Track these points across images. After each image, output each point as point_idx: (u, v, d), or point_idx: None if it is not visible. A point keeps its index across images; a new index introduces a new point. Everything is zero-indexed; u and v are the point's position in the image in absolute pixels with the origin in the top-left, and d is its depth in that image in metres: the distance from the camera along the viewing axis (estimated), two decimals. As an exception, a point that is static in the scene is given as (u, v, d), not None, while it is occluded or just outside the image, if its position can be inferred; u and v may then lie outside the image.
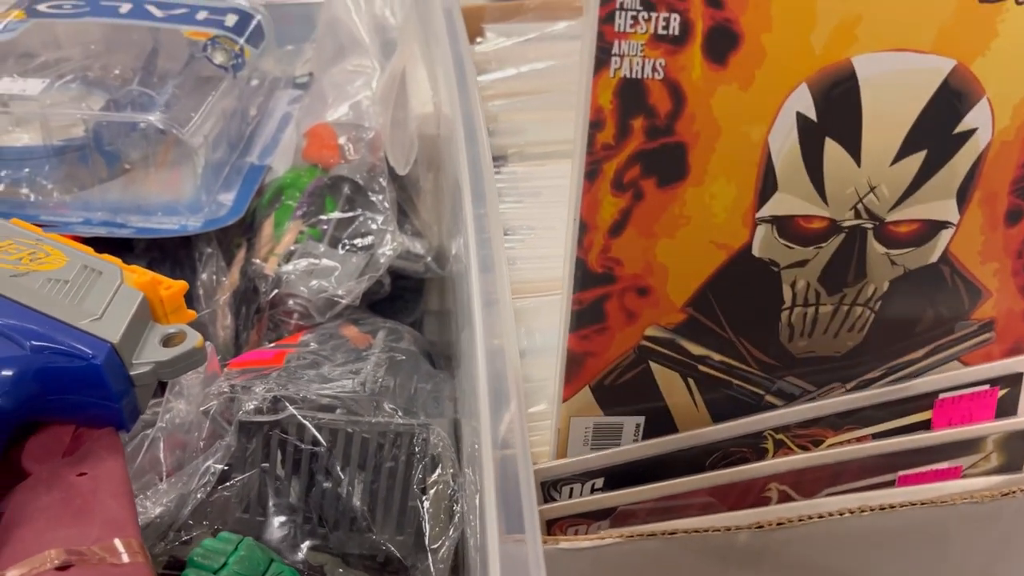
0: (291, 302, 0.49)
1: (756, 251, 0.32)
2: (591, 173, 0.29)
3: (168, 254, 0.53)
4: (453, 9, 0.59)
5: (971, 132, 0.30)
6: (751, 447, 0.37)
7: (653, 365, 0.34)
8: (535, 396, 0.39)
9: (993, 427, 0.37)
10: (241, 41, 0.59)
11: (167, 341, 0.38)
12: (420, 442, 0.40)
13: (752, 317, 0.34)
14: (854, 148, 0.30)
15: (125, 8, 0.59)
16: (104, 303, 0.37)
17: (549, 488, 0.36)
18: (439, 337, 0.61)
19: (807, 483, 0.38)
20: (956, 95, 0.29)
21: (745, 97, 0.29)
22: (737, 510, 0.37)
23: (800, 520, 0.33)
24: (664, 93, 0.28)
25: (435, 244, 0.58)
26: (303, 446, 0.39)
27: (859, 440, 0.37)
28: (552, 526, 0.36)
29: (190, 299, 0.51)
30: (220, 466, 0.38)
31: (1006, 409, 0.38)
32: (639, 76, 0.28)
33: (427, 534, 0.38)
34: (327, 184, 0.55)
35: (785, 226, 0.31)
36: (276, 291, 0.49)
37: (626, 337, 0.34)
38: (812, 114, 0.29)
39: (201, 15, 0.60)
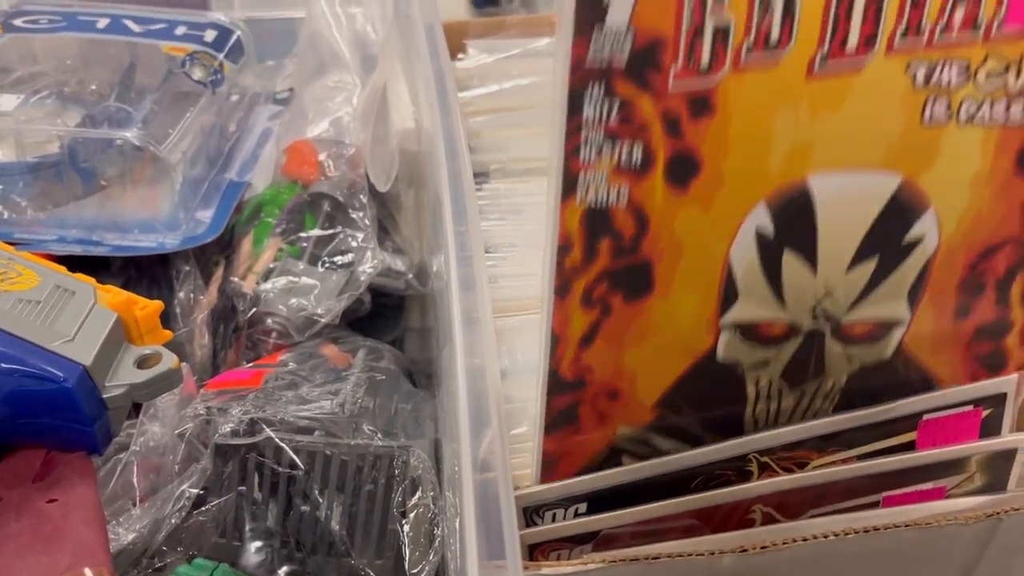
0: (269, 321, 0.49)
1: (720, 355, 0.34)
2: (561, 290, 0.31)
3: (145, 272, 0.52)
4: (434, 25, 0.59)
5: (920, 239, 0.32)
6: (735, 470, 0.36)
7: (625, 458, 0.36)
8: (517, 417, 0.39)
9: (977, 447, 0.37)
10: (220, 56, 0.58)
11: (142, 363, 0.37)
12: (400, 464, 0.39)
13: (718, 414, 0.35)
14: (811, 258, 0.32)
15: (103, 23, 0.59)
16: (77, 324, 0.37)
17: (531, 513, 0.36)
18: (420, 355, 0.61)
19: (791, 505, 0.37)
20: (905, 207, 0.31)
21: (706, 218, 0.30)
22: (721, 532, 0.36)
23: (784, 543, 0.32)
24: (628, 217, 0.30)
25: (416, 261, 0.58)
26: (280, 469, 0.38)
27: (844, 461, 0.37)
28: (534, 551, 0.36)
29: (167, 318, 0.51)
30: (195, 490, 0.37)
31: (990, 429, 0.37)
32: (604, 203, 0.29)
33: (407, 558, 0.38)
34: (307, 201, 0.54)
35: (747, 331, 0.33)
36: (254, 310, 0.49)
37: (599, 437, 0.35)
38: (770, 230, 0.31)
39: (180, 30, 0.59)
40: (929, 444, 0.37)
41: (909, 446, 0.38)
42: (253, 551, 0.39)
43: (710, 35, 0.27)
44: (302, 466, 0.38)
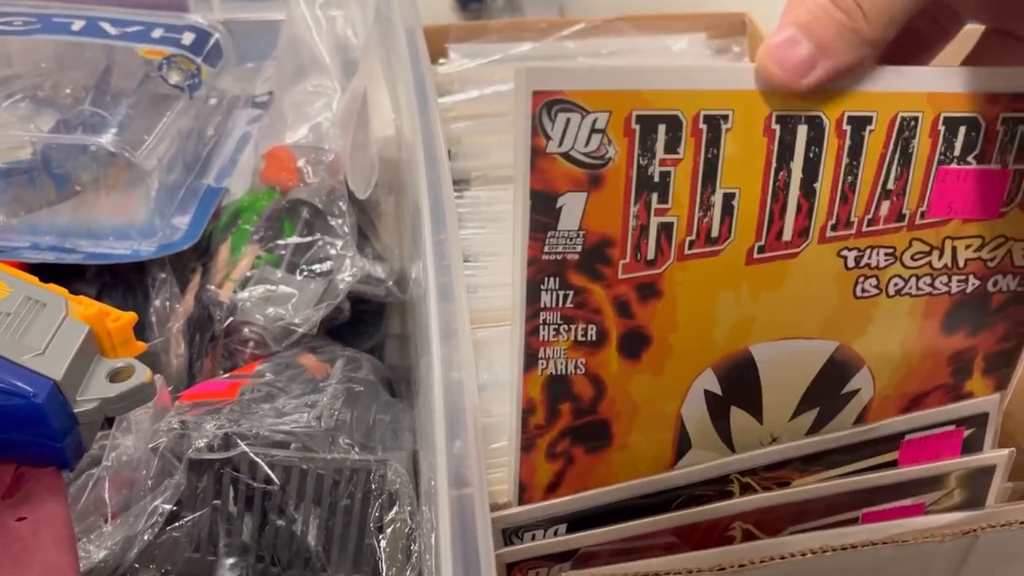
0: (246, 330, 0.48)
1: None
2: (527, 447, 0.33)
3: (120, 280, 0.51)
4: (415, 29, 0.59)
5: (856, 391, 0.35)
6: (717, 491, 0.36)
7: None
8: (495, 431, 0.38)
9: (955, 464, 0.37)
10: (198, 60, 0.58)
11: (114, 376, 0.37)
12: (377, 478, 0.39)
13: None
14: (756, 412, 0.35)
15: (78, 25, 0.58)
16: (47, 337, 0.36)
17: (510, 535, 0.35)
18: (400, 361, 0.60)
19: (771, 522, 0.37)
20: (842, 366, 0.34)
21: (658, 381, 0.33)
22: (701, 550, 0.36)
23: (762, 561, 0.32)
24: (586, 384, 0.32)
25: (396, 268, 0.57)
26: (255, 484, 0.38)
27: (825, 481, 0.37)
28: (512, 569, 0.35)
29: (142, 326, 0.50)
30: (169, 506, 0.37)
31: (971, 448, 0.37)
32: (564, 372, 0.32)
33: (383, 573, 0.37)
34: (285, 207, 0.53)
35: None
36: (231, 319, 0.48)
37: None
38: (718, 390, 0.34)
39: (157, 33, 0.58)
40: (911, 463, 0.37)
41: (891, 465, 0.38)
42: (227, 567, 0.38)
43: (655, 233, 0.30)
44: (277, 481, 0.38)
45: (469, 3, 0.95)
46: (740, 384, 0.33)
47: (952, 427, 0.37)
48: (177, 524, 0.37)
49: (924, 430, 0.37)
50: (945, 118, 0.29)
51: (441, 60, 0.65)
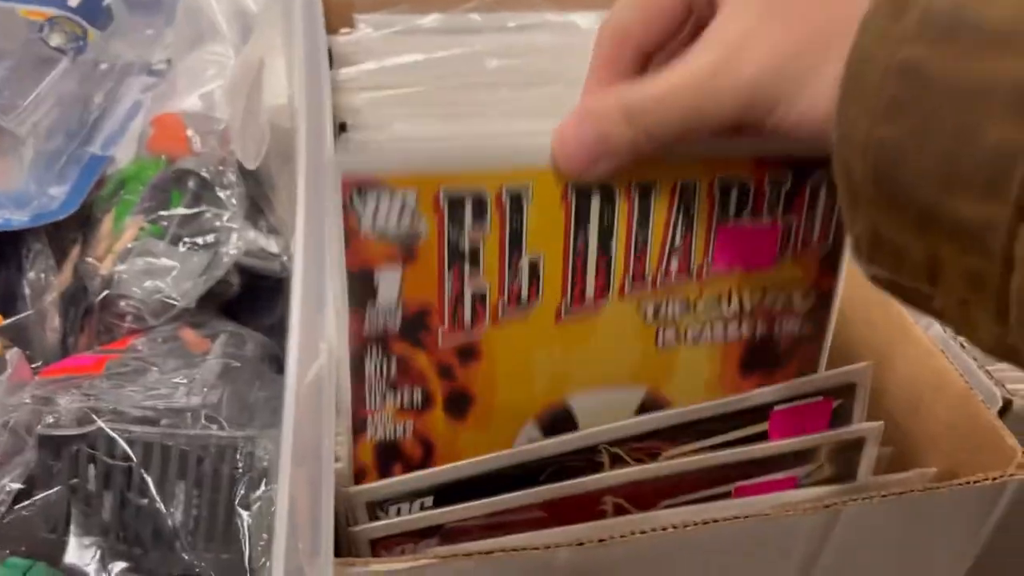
0: (122, 304, 0.46)
1: None
2: None
3: (-9, 250, 0.49)
4: (315, -3, 0.57)
5: None
6: (586, 461, 0.36)
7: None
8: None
9: (824, 437, 0.37)
10: (83, 23, 0.55)
11: (-40, 349, 0.35)
12: (245, 455, 0.38)
13: None
14: None
15: (-46, -16, 0.55)
16: None
17: (375, 508, 0.34)
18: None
19: (643, 496, 0.37)
20: (653, 409, 0.36)
21: (485, 437, 0.34)
22: (570, 525, 0.36)
23: (623, 536, 0.32)
24: (416, 445, 0.34)
25: (291, 242, 0.56)
26: (113, 462, 0.36)
27: (695, 452, 0.36)
28: (376, 545, 0.35)
29: (14, 299, 0.48)
30: (17, 484, 0.35)
31: (841, 420, 0.37)
32: (392, 437, 0.33)
33: (247, 553, 0.36)
34: (172, 178, 0.52)
35: None
36: (107, 292, 0.46)
37: None
38: (540, 439, 0.35)
39: (40, -7, 0.56)
40: (781, 434, 0.37)
41: (762, 436, 0.37)
42: (83, 547, 0.37)
43: (469, 300, 0.31)
44: (136, 458, 0.36)
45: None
46: (561, 430, 0.35)
47: (820, 398, 0.37)
48: (27, 503, 0.35)
49: (792, 400, 0.36)
50: (720, 180, 0.32)
51: (345, 29, 0.64)
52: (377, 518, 0.35)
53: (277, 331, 0.58)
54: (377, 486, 0.34)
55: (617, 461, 0.36)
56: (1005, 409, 0.41)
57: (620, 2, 0.29)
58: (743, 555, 0.35)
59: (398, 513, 0.35)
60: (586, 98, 0.29)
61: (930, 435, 0.41)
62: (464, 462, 0.35)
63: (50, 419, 0.36)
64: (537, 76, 0.61)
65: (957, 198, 0.20)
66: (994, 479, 0.35)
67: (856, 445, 0.38)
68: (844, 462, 0.38)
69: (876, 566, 0.38)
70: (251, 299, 0.55)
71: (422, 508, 0.35)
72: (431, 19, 0.63)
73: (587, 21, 0.65)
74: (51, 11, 0.54)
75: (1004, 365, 0.42)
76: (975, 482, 0.35)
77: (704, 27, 0.27)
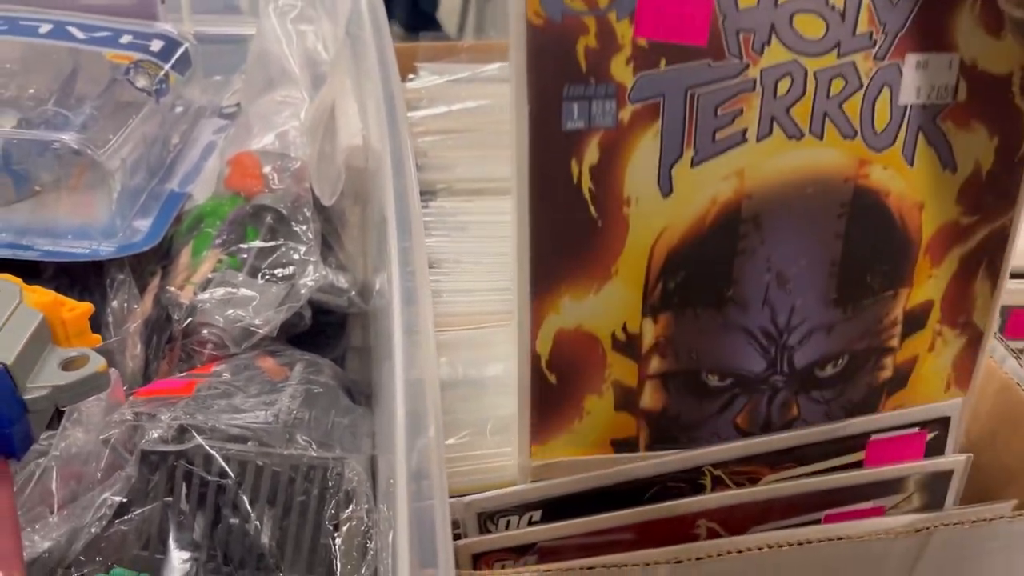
0: (205, 331, 0.47)
1: None
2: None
3: (77, 280, 0.50)
4: (386, 46, 0.59)
5: None
6: (689, 482, 0.36)
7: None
8: (454, 427, 0.38)
9: (914, 467, 0.38)
10: (166, 67, 0.58)
11: (67, 365, 0.36)
12: (334, 476, 0.38)
13: None
14: None
15: (45, 28, 0.57)
16: (-1, 322, 0.35)
17: (486, 520, 0.35)
18: (361, 375, 0.59)
19: (736, 520, 0.37)
20: None
21: None
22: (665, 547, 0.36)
23: (719, 555, 0.32)
24: None
25: (360, 278, 0.57)
26: (210, 478, 0.37)
27: (794, 478, 0.37)
28: (479, 560, 0.35)
29: (98, 327, 0.49)
30: (118, 498, 0.36)
31: (934, 451, 0.38)
32: None
33: (338, 572, 0.37)
34: (249, 213, 0.53)
35: None
36: (190, 319, 0.47)
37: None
38: None
39: (125, 39, 0.58)
40: (876, 463, 0.38)
41: (858, 464, 0.38)
42: (177, 564, 0.37)
43: None
44: (232, 475, 0.37)
45: (420, 28, 0.95)
46: None
47: (916, 429, 0.37)
48: (126, 518, 0.36)
49: (889, 431, 0.37)
50: None
51: (410, 76, 0.66)
52: (487, 530, 0.35)
53: (339, 364, 0.59)
54: (488, 496, 0.35)
55: (719, 483, 0.37)
56: (1082, 442, 0.41)
57: None
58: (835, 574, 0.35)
59: (507, 526, 0.35)
60: None
61: (1006, 468, 0.41)
62: (571, 478, 0.35)
63: (155, 434, 0.36)
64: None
65: None
66: (1080, 507, 0.35)
67: (944, 477, 0.38)
68: (932, 493, 0.39)
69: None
70: (316, 332, 0.56)
71: (530, 522, 0.36)
72: (494, 68, 0.65)
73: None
74: (136, 55, 0.57)
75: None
76: (1061, 510, 0.35)
77: None
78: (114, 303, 0.50)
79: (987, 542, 0.35)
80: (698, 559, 0.32)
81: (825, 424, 0.37)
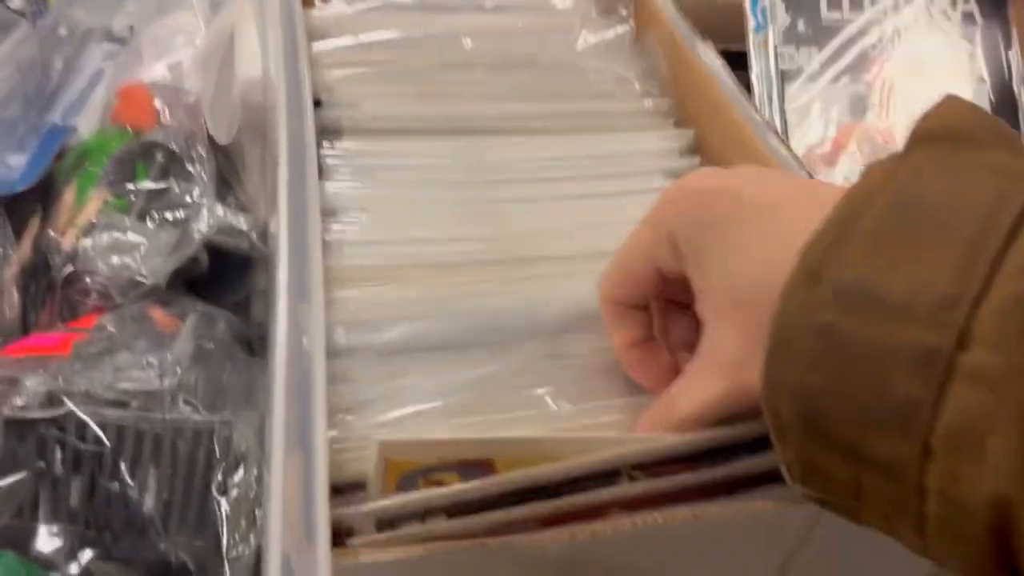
0: (88, 280, 0.44)
1: None
2: None
3: (-54, 221, 0.47)
4: (290, -33, 0.55)
5: None
6: (606, 483, 0.35)
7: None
8: (349, 399, 0.36)
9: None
10: (44, -16, 0.53)
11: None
12: (221, 440, 0.37)
13: None
14: None
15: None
16: None
17: (384, 526, 0.32)
18: (266, 317, 0.57)
19: (647, 506, 0.36)
20: None
21: None
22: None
23: (613, 528, 0.32)
24: None
25: (261, 219, 0.54)
26: (84, 446, 0.35)
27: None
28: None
29: (-29, 273, 0.46)
30: (-17, 468, 0.34)
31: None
32: None
33: (224, 540, 0.35)
34: (138, 150, 0.50)
35: None
36: (72, 267, 0.44)
37: None
38: None
39: (-3, -49, 0.53)
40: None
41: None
42: (52, 534, 0.35)
43: None
44: (108, 443, 0.35)
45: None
46: None
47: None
48: (-7, 487, 0.34)
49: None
50: None
51: (319, 3, 0.62)
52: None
53: (243, 308, 0.57)
54: (388, 504, 0.32)
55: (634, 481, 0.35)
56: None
57: (608, 274, 0.36)
58: (729, 544, 0.35)
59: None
60: (648, 416, 0.35)
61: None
62: (484, 481, 0.32)
63: (19, 401, 0.34)
64: (513, 58, 0.60)
65: (874, 437, 0.23)
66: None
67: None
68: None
69: (856, 561, 0.38)
70: (217, 276, 0.54)
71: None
72: (407, -5, 0.61)
73: (563, 3, 0.65)
74: (10, -29, 0.52)
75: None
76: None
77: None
78: (-12, 247, 0.46)
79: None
80: (592, 533, 0.31)
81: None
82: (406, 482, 0.33)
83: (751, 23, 0.55)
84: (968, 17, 0.56)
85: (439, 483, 0.33)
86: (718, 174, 0.34)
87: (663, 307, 0.37)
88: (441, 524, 0.32)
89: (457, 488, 0.31)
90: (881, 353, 0.23)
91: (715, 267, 0.31)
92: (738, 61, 0.67)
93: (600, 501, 0.34)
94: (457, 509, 0.32)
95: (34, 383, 0.35)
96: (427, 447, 0.33)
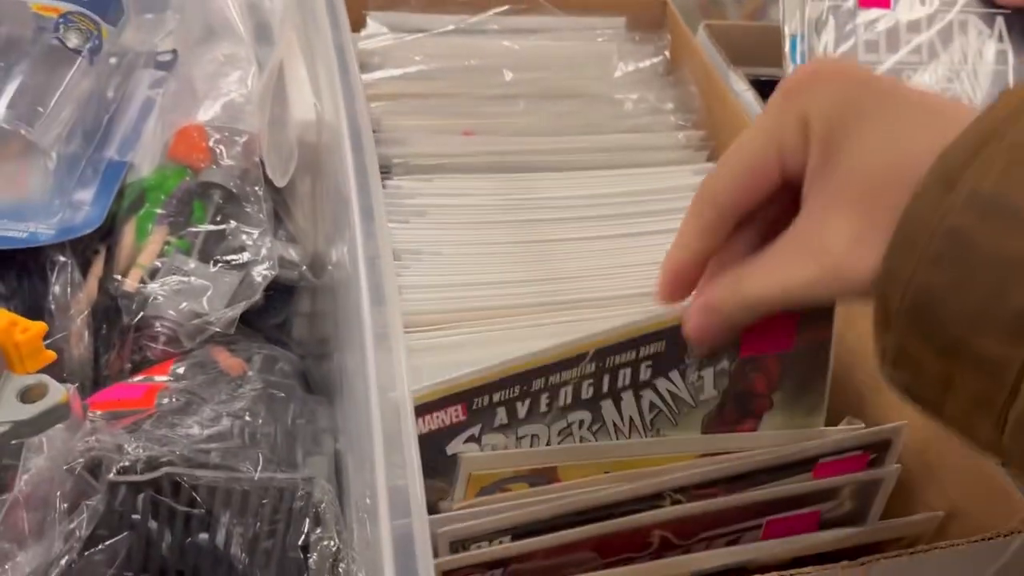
0: (158, 325, 0.46)
1: None
2: None
3: (12, 262, 0.48)
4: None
5: None
6: (651, 506, 0.38)
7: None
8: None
9: (850, 478, 0.41)
10: (97, 19, 0.53)
11: (25, 395, 0.35)
12: (303, 496, 0.39)
13: None
14: None
15: (-42, -30, 0.52)
16: (-50, 356, 0.34)
17: (458, 547, 0.37)
18: (309, 336, 0.59)
19: (686, 528, 0.40)
20: None
21: None
22: (616, 561, 0.38)
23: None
24: None
25: (311, 251, 0.56)
26: (179, 507, 0.37)
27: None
28: (449, 576, 0.37)
29: (41, 314, 0.47)
30: (86, 530, 0.36)
31: (873, 467, 0.41)
32: None
33: (311, 592, 0.38)
34: (196, 190, 0.51)
35: None
36: (142, 313, 0.46)
37: None
38: None
39: (50, -17, 0.53)
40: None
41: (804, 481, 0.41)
42: (146, 586, 0.37)
43: None
44: (202, 502, 0.37)
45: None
46: None
47: (860, 452, 0.40)
48: (96, 549, 0.36)
49: (836, 454, 0.40)
50: None
51: (360, 31, 0.63)
52: (457, 552, 0.37)
53: (283, 330, 0.58)
54: (461, 527, 0.36)
55: (676, 504, 0.39)
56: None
57: (717, 173, 0.33)
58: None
59: (479, 550, 0.37)
60: (712, 290, 0.34)
61: (936, 476, 0.44)
62: (540, 507, 0.37)
63: (122, 466, 0.36)
64: (552, 90, 0.62)
65: (982, 338, 0.25)
66: (1006, 535, 0.38)
67: (875, 485, 0.41)
68: (862, 499, 0.42)
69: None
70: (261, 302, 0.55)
71: (499, 544, 0.37)
72: (449, 26, 0.62)
73: (601, 36, 0.66)
74: (64, 6, 0.52)
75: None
76: (989, 537, 0.38)
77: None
78: (56, 288, 0.48)
79: (922, 565, 0.39)
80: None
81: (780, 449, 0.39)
82: (484, 494, 0.38)
83: (790, 67, 0.56)
84: (1001, 56, 0.58)
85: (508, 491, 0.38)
86: (852, 63, 0.33)
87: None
88: (508, 545, 0.37)
89: (518, 513, 0.36)
90: (1009, 263, 0.24)
91: (849, 149, 0.29)
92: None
93: (642, 524, 0.38)
94: (519, 534, 0.36)
95: (133, 448, 0.37)
96: (503, 458, 0.38)
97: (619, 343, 0.36)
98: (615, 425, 0.39)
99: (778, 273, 0.31)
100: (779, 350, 0.38)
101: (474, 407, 0.36)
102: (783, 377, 0.39)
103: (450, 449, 0.37)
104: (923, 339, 0.26)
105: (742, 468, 0.39)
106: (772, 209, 0.33)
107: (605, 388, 0.37)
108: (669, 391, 0.38)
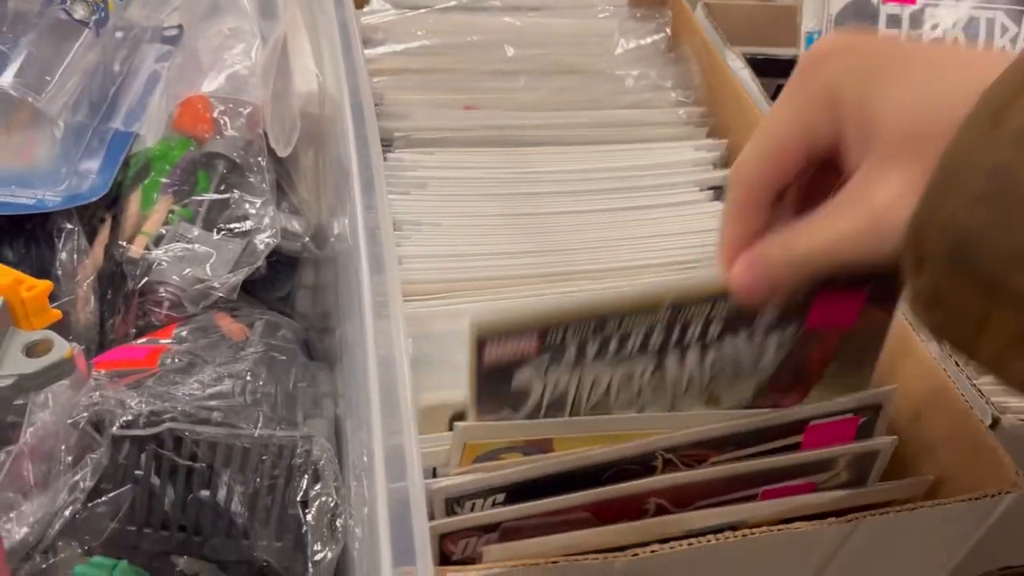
0: (162, 291, 0.47)
1: None
2: None
3: (19, 228, 0.49)
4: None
5: None
6: (642, 464, 0.39)
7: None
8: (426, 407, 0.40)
9: (846, 449, 0.41)
10: (105, -8, 0.54)
11: (31, 350, 0.36)
12: (302, 454, 0.40)
13: None
14: None
15: (-33, -58, 0.53)
16: (-42, 310, 0.34)
17: (453, 503, 0.37)
18: (312, 310, 0.60)
19: (683, 496, 0.40)
20: None
21: None
22: (616, 524, 0.39)
23: (672, 548, 0.35)
24: None
25: (314, 222, 0.57)
26: (180, 461, 0.38)
27: (736, 459, 0.40)
28: (444, 539, 0.37)
29: (47, 278, 0.48)
30: (90, 482, 0.36)
31: (864, 433, 0.41)
32: None
33: (309, 546, 0.39)
34: (200, 160, 0.52)
35: None
36: (146, 278, 0.47)
37: None
38: None
39: (57, -43, 0.54)
40: (812, 445, 0.41)
41: (795, 446, 0.41)
42: (150, 539, 0.38)
43: None
44: (203, 457, 0.38)
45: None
46: None
47: (850, 415, 0.40)
48: (100, 500, 0.37)
49: (826, 417, 0.40)
50: None
51: (364, 7, 0.63)
52: (453, 512, 0.38)
53: (287, 303, 0.59)
54: (456, 483, 0.37)
55: (669, 465, 0.39)
56: (994, 424, 0.45)
57: (746, 154, 0.33)
58: (768, 558, 0.39)
59: (472, 508, 0.38)
60: (760, 247, 0.33)
61: (928, 445, 0.45)
62: (533, 464, 0.37)
63: (125, 420, 0.37)
64: (553, 66, 0.62)
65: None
66: (993, 495, 0.39)
67: (871, 456, 0.42)
68: (858, 470, 0.42)
69: (878, 568, 0.42)
70: (266, 272, 0.56)
71: (494, 504, 0.38)
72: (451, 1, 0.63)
73: (606, 2, 0.66)
74: (70, -22, 0.53)
75: (994, 384, 0.46)
76: (976, 498, 0.39)
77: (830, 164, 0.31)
78: (63, 254, 0.48)
79: (908, 524, 0.39)
80: (652, 552, 0.35)
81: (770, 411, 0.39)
82: (479, 462, 0.39)
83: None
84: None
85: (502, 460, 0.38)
86: (865, 33, 0.33)
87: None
88: (504, 509, 0.37)
89: (513, 470, 0.36)
90: None
91: (884, 108, 0.29)
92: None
93: (639, 490, 0.39)
94: (513, 491, 0.37)
95: (136, 403, 0.37)
96: (499, 429, 0.38)
97: (697, 296, 0.36)
98: (674, 381, 0.38)
99: (826, 229, 0.31)
100: (843, 325, 0.38)
101: (548, 340, 0.35)
102: (839, 353, 0.39)
103: (516, 381, 0.36)
104: (961, 278, 0.25)
105: (732, 429, 0.39)
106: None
107: (675, 339, 0.37)
108: (732, 354, 0.38)
